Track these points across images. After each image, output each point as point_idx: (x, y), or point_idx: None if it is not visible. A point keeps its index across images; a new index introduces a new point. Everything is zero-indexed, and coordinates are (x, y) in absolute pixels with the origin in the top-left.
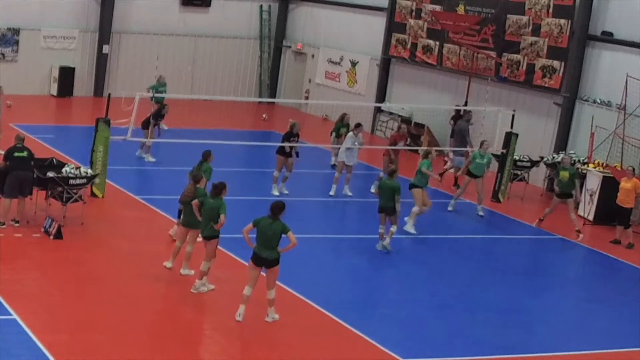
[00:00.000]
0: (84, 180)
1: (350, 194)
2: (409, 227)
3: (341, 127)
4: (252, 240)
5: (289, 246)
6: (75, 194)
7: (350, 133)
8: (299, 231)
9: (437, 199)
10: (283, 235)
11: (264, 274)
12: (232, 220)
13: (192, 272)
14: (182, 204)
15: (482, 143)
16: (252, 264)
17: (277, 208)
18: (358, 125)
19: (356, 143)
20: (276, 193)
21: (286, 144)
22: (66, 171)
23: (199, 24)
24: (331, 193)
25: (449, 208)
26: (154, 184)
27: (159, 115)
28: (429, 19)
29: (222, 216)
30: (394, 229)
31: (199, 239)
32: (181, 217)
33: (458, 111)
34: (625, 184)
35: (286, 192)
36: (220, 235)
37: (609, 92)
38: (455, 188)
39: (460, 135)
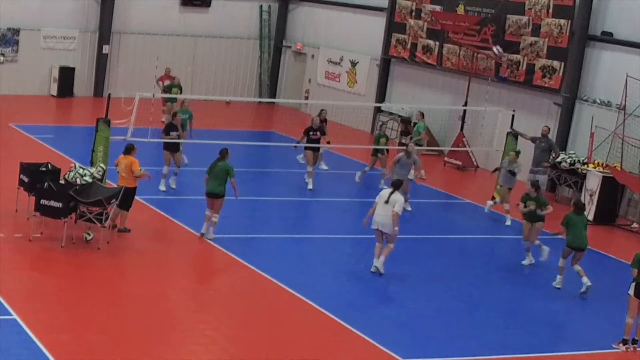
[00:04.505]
0: (99, 177)
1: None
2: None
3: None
4: None
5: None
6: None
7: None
8: (301, 231)
9: (437, 199)
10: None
11: None
12: (231, 220)
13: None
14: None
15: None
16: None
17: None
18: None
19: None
20: (310, 187)
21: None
22: (73, 176)
23: (199, 24)
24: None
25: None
26: (154, 184)
27: None
28: (429, 19)
29: (232, 180)
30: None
31: None
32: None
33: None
34: None
35: (311, 187)
36: (222, 235)
37: (609, 92)
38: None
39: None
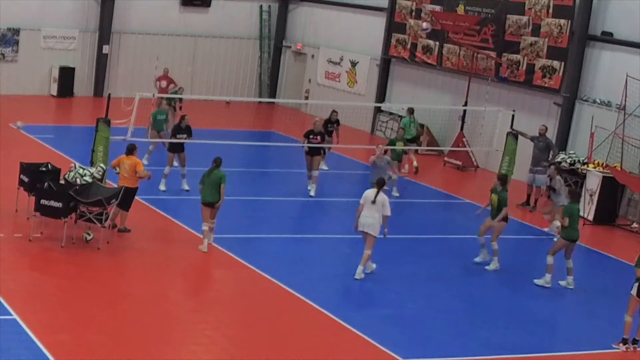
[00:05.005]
0: (99, 177)
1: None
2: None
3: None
4: None
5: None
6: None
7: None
8: (301, 231)
9: (437, 199)
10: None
11: None
12: (231, 220)
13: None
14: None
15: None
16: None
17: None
18: None
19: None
20: (312, 193)
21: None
22: (73, 176)
23: (199, 24)
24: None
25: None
26: (154, 184)
27: None
28: (429, 19)
29: (222, 186)
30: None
31: None
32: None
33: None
34: None
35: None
36: (222, 235)
37: (609, 92)
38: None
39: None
